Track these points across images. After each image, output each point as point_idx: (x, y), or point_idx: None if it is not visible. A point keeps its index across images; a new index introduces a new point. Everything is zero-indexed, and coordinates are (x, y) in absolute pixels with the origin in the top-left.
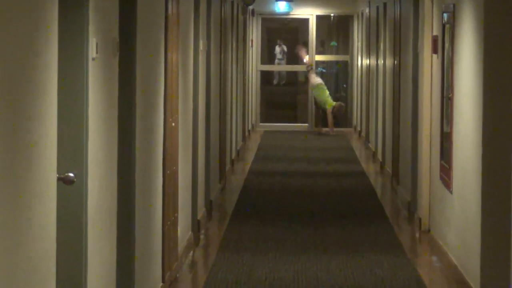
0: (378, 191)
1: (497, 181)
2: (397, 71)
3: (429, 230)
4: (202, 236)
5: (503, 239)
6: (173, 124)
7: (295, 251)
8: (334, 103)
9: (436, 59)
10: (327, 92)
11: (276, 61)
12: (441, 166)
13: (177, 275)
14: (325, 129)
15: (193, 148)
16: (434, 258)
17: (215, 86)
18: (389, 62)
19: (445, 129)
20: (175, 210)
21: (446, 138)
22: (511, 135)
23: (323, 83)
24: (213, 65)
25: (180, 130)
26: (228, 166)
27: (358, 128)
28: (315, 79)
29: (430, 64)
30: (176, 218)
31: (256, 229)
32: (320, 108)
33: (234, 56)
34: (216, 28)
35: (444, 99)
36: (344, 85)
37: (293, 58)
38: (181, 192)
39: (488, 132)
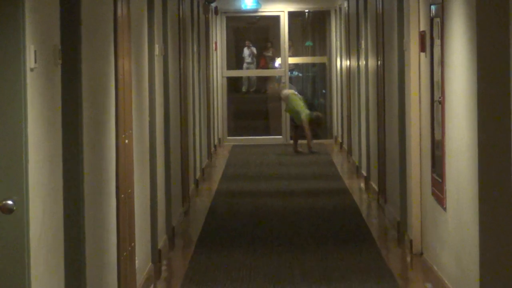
0: (363, 210)
1: (496, 195)
2: (381, 73)
3: (421, 253)
4: (164, 268)
5: (504, 262)
6: (127, 141)
7: (271, 281)
8: (310, 113)
9: (424, 58)
10: (302, 103)
11: (245, 65)
12: (433, 180)
13: None
14: (300, 149)
15: (150, 168)
16: (428, 286)
17: (175, 96)
18: (371, 62)
19: (436, 137)
20: (132, 239)
21: (437, 147)
22: (509, 142)
23: (295, 92)
24: (172, 73)
25: (135, 148)
26: (192, 187)
27: (339, 139)
28: (286, 91)
29: (417, 64)
30: (133, 248)
31: (225, 257)
32: (295, 121)
33: (195, 62)
34: (173, 30)
35: (434, 102)
36: (324, 91)
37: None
38: (138, 218)
39: (484, 140)
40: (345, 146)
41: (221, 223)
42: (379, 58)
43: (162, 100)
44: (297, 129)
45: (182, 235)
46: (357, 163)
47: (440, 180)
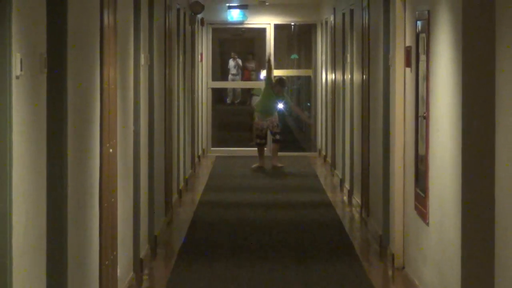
0: (346, 223)
1: (479, 211)
2: (366, 87)
3: (403, 267)
4: (145, 277)
5: (486, 276)
6: (111, 150)
7: None
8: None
9: (409, 73)
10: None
11: (230, 76)
12: (416, 195)
13: None
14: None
15: (134, 177)
16: None
17: (159, 106)
18: (357, 76)
19: (420, 152)
20: (114, 248)
21: (421, 162)
22: (493, 159)
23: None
24: (157, 82)
25: (119, 157)
26: (175, 197)
27: (323, 153)
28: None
29: (402, 79)
30: (116, 257)
31: (207, 269)
32: (267, 115)
33: (181, 72)
34: (159, 40)
35: (419, 118)
36: (308, 104)
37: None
38: (120, 227)
39: (468, 155)
40: (328, 159)
41: (203, 234)
42: (364, 73)
43: (147, 109)
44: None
45: (164, 245)
46: (340, 177)
47: (423, 195)
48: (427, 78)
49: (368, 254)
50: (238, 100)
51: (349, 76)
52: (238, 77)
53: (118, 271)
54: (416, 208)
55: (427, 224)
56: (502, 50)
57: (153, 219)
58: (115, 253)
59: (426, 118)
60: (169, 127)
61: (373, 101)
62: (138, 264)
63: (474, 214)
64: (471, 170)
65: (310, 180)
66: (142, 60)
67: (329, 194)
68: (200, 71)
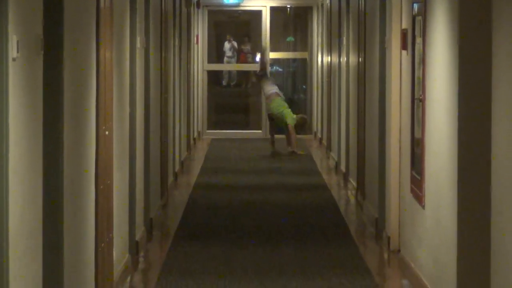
0: (342, 206)
1: (475, 194)
2: (362, 70)
3: (399, 250)
4: (141, 259)
5: (481, 260)
6: (107, 132)
7: (248, 274)
8: (295, 116)
9: (405, 55)
10: (286, 104)
11: (226, 59)
12: (412, 178)
13: None
14: (290, 149)
15: (130, 160)
16: (404, 282)
17: (155, 89)
18: (353, 59)
19: (416, 135)
20: (110, 229)
21: (417, 145)
22: (490, 141)
23: (279, 92)
24: (153, 65)
25: (115, 139)
26: (170, 180)
27: (319, 135)
28: (270, 87)
29: (399, 62)
30: (111, 239)
31: (202, 250)
32: (278, 124)
33: (177, 55)
34: (156, 22)
35: (415, 100)
36: (304, 86)
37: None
38: (116, 210)
39: (464, 138)
40: (324, 141)
41: (199, 216)
42: (360, 55)
43: (143, 92)
44: (274, 127)
45: (160, 227)
46: (336, 160)
47: (419, 178)
48: (423, 60)
49: (364, 237)
50: (234, 83)
51: (345, 58)
52: (233, 60)
53: (114, 253)
54: (412, 191)
55: (423, 207)
56: (499, 31)
57: (149, 202)
58: (111, 235)
59: (422, 100)
60: (165, 109)
61: (369, 84)
62: (134, 246)
63: (470, 197)
64: (467, 153)
65: (305, 162)
66: (138, 43)
67: (325, 177)
68: (196, 54)
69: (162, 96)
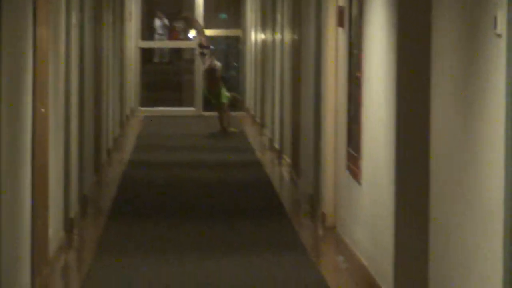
0: (276, 183)
1: (413, 171)
2: (297, 47)
3: (334, 227)
4: (76, 237)
5: (419, 236)
6: (43, 109)
7: (183, 252)
8: (229, 94)
9: (342, 33)
10: (222, 85)
11: (157, 36)
12: (348, 155)
13: (48, 282)
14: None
15: (65, 136)
16: (340, 259)
17: (89, 66)
18: (288, 36)
19: (352, 113)
20: (46, 207)
21: (354, 123)
22: (428, 118)
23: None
24: (87, 42)
25: (51, 116)
26: (104, 157)
27: (252, 112)
28: (213, 64)
29: (334, 39)
30: (47, 216)
31: (137, 228)
32: (212, 102)
33: (110, 31)
34: None
35: (352, 78)
36: (235, 64)
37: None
38: (51, 186)
39: (402, 116)
40: (258, 119)
41: (133, 194)
42: (295, 32)
43: (78, 70)
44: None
45: (94, 205)
46: (270, 137)
47: (356, 155)
48: (361, 38)
49: (299, 214)
50: (166, 60)
51: (280, 36)
52: (164, 37)
53: (50, 230)
54: (348, 168)
55: (360, 183)
56: (438, 7)
57: (83, 178)
58: (46, 212)
59: (360, 78)
60: (98, 86)
61: (304, 61)
62: (69, 224)
63: (408, 174)
64: (405, 130)
65: (239, 139)
66: (74, 19)
67: (259, 154)
68: (129, 31)
69: (96, 73)
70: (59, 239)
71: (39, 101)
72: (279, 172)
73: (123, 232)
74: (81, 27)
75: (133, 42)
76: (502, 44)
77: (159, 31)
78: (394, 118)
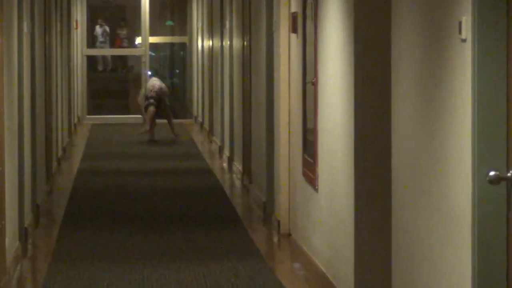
0: (228, 190)
1: (373, 177)
2: (247, 54)
3: (289, 234)
4: (30, 247)
5: (381, 242)
6: None
7: (139, 260)
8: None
9: (295, 39)
10: None
11: (98, 44)
12: (304, 161)
13: None
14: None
15: (18, 145)
16: (297, 265)
17: (40, 74)
18: (237, 43)
19: (308, 118)
20: (2, 217)
21: (309, 129)
22: (389, 124)
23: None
24: (38, 50)
25: (5, 126)
26: (54, 166)
27: (200, 120)
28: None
29: (287, 45)
30: (4, 226)
31: (91, 237)
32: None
33: (59, 40)
34: (40, 7)
35: (307, 84)
36: (177, 71)
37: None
38: (7, 196)
39: (360, 121)
40: (206, 126)
41: (85, 203)
42: (245, 39)
43: (29, 77)
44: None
45: (46, 214)
46: (219, 144)
47: (312, 161)
48: (315, 44)
49: (252, 221)
50: (110, 68)
51: (228, 43)
52: (106, 45)
53: (6, 240)
54: (304, 174)
55: (316, 190)
56: (396, 11)
57: (36, 188)
58: (3, 222)
59: (315, 84)
60: (49, 95)
61: (255, 68)
62: (23, 233)
63: (368, 180)
64: (364, 136)
65: (188, 147)
66: (25, 27)
67: (208, 161)
68: (75, 39)
69: (46, 81)
70: (15, 249)
71: None
72: (230, 179)
73: (78, 242)
74: (32, 36)
75: (79, 50)
76: (468, 48)
77: (100, 38)
78: (352, 124)
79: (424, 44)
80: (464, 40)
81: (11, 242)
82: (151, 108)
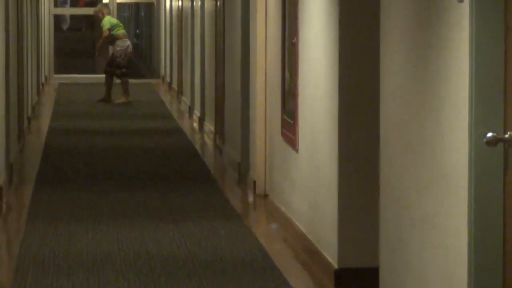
0: (199, 150)
1: (358, 136)
2: (220, 13)
3: (265, 194)
4: (5, 205)
5: (361, 202)
6: None
7: (116, 219)
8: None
9: None
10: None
11: (58, 3)
12: (283, 121)
13: None
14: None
15: None
16: (275, 226)
17: (13, 32)
18: (209, 2)
19: (287, 79)
20: None
21: (289, 90)
22: (374, 79)
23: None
24: (11, 9)
25: None
26: (25, 124)
27: (167, 79)
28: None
29: (264, 3)
30: None
31: (66, 195)
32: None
33: None
34: None
35: (287, 43)
36: (137, 31)
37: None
38: None
39: (345, 80)
40: (174, 86)
41: (57, 161)
42: None
43: (3, 36)
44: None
45: (19, 173)
46: (189, 104)
47: (292, 122)
48: (296, 2)
49: (226, 181)
50: (67, 27)
51: (199, 2)
52: (66, 5)
53: None
54: (283, 134)
55: (297, 150)
56: None
57: (10, 146)
58: None
59: (296, 44)
60: (20, 53)
61: (228, 27)
62: None
63: (353, 140)
64: (348, 95)
65: (156, 107)
66: None
67: (178, 121)
68: None
69: (18, 40)
70: None
71: None
72: (201, 139)
73: (53, 200)
74: None
75: (46, 8)
76: (465, 10)
77: None
78: (337, 83)
79: (417, 1)
80: (461, 1)
81: None
82: (127, 79)
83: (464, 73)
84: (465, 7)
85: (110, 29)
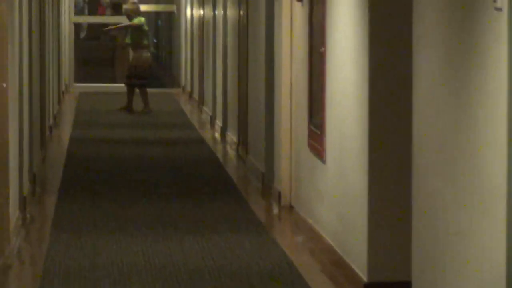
0: (222, 161)
1: (387, 145)
2: (244, 23)
3: (290, 206)
4: (30, 216)
5: (393, 213)
6: (5, 85)
7: (141, 229)
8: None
9: (300, 7)
10: None
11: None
12: (310, 132)
13: (10, 262)
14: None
15: (19, 113)
16: (301, 237)
17: (36, 42)
18: (232, 12)
19: (315, 89)
20: (6, 185)
21: (316, 100)
22: (404, 88)
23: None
24: (34, 16)
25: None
26: (47, 134)
27: (188, 89)
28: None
29: (290, 14)
30: (8, 194)
31: (91, 206)
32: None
33: (50, 5)
34: None
35: (313, 53)
36: (155, 40)
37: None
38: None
39: (375, 87)
40: (195, 96)
41: (80, 171)
42: (241, 8)
43: (28, 44)
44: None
45: (42, 182)
46: (210, 114)
47: (318, 132)
48: (324, 12)
49: (251, 192)
50: (84, 35)
51: (222, 12)
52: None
53: (10, 209)
54: (309, 145)
55: (324, 162)
56: None
57: (33, 156)
58: (7, 190)
59: (323, 54)
60: (42, 63)
61: (252, 35)
62: (22, 203)
63: (384, 151)
64: (379, 105)
65: (177, 117)
66: None
67: (200, 131)
68: (63, 5)
69: (41, 48)
70: (15, 218)
71: (1, 77)
72: (223, 149)
73: (77, 211)
74: (29, 2)
75: (67, 16)
76: (503, 18)
77: (79, 5)
78: (367, 92)
79: (454, 12)
80: (499, 9)
81: (12, 211)
82: (145, 89)
83: (502, 79)
84: (502, 12)
85: (137, 28)
